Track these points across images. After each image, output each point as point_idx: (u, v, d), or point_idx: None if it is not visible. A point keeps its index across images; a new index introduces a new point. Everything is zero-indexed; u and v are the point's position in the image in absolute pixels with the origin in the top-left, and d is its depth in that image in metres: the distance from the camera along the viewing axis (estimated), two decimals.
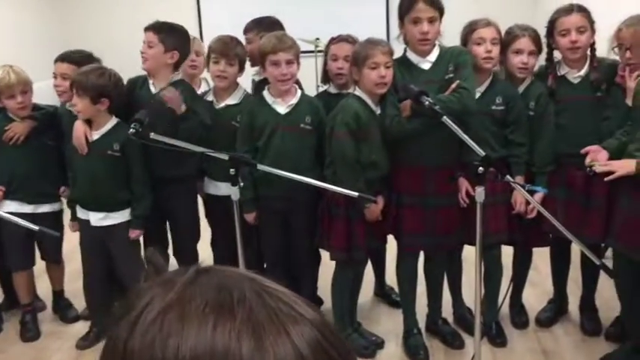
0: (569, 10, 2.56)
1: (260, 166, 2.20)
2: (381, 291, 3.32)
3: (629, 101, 2.43)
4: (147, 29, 2.72)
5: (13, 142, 2.81)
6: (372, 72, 2.47)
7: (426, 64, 2.54)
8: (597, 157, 2.37)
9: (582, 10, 2.55)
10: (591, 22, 2.55)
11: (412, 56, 2.56)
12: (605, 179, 2.29)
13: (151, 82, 2.76)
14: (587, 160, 2.37)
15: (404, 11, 2.50)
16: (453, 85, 2.44)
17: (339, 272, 2.75)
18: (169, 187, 2.80)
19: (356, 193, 2.17)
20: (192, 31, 6.63)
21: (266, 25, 3.03)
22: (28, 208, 2.87)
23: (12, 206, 2.84)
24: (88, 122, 2.68)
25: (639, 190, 2.28)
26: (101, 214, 2.73)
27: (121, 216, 2.74)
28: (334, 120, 2.54)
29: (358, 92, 2.55)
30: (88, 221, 2.76)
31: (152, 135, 2.19)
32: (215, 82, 2.84)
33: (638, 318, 2.50)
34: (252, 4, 6.09)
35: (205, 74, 3.19)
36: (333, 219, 2.61)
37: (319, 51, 5.47)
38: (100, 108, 2.61)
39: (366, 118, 2.50)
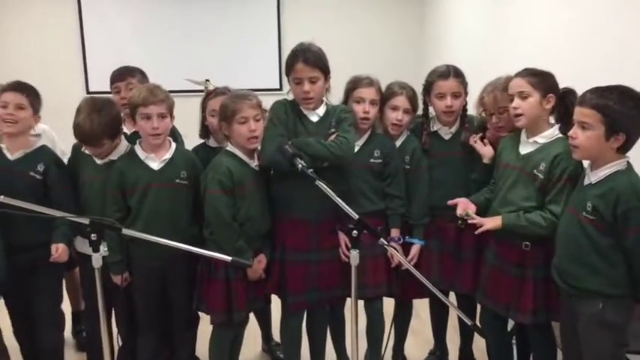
0: (446, 74, 2.63)
1: (125, 231, 2.05)
2: (268, 346, 3.22)
3: (486, 160, 2.56)
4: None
5: None
6: (241, 127, 2.44)
7: (314, 117, 2.56)
8: (468, 207, 2.44)
9: (458, 75, 2.64)
10: (465, 86, 2.65)
11: (302, 106, 2.57)
12: (476, 232, 2.36)
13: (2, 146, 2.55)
14: (459, 211, 2.43)
15: (287, 71, 2.53)
16: (332, 137, 2.49)
17: (217, 334, 2.62)
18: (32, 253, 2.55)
19: (229, 258, 2.07)
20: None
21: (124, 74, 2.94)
22: None
23: None
24: None
25: (503, 246, 2.37)
26: None
27: None
28: (206, 179, 2.46)
29: (230, 147, 2.50)
30: None
31: (1, 198, 1.98)
32: None
33: None
34: (140, 44, 5.95)
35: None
36: (211, 281, 2.50)
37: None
38: None
39: (239, 173, 2.45)
